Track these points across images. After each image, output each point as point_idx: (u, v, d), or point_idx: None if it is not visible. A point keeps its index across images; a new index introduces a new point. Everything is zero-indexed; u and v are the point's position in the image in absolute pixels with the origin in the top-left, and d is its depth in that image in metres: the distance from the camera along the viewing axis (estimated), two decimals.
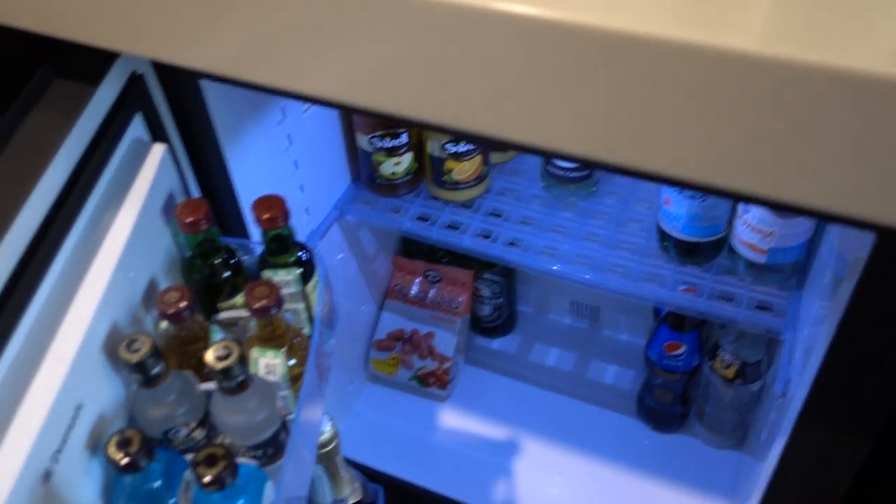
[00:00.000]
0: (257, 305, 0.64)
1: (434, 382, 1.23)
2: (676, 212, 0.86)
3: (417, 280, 1.24)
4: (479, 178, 0.99)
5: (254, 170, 0.85)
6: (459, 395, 1.26)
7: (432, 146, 0.96)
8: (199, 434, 0.62)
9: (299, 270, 0.71)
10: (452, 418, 1.23)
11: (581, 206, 0.99)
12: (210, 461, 0.53)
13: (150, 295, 0.66)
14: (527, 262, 0.95)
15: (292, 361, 0.68)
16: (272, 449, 0.64)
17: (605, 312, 1.28)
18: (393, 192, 1.02)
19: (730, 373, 1.03)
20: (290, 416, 0.66)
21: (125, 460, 0.53)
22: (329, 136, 0.99)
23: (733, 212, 0.85)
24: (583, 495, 1.12)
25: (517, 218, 0.99)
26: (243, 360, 0.58)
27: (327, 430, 0.89)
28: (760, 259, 0.84)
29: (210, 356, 0.57)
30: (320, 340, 0.72)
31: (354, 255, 1.15)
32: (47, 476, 0.51)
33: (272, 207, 0.70)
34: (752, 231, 0.83)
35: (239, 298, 0.71)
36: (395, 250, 1.26)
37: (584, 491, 1.13)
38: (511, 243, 0.96)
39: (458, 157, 0.95)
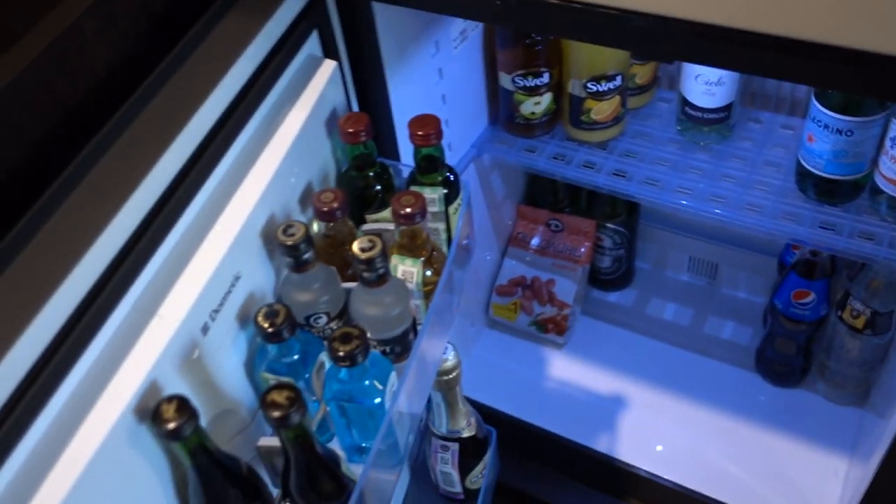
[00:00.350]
0: (403, 212, 0.68)
1: (552, 328, 1.27)
2: (820, 148, 0.87)
3: (540, 229, 1.28)
4: (616, 119, 1.02)
5: (408, 97, 0.90)
6: (575, 344, 1.29)
7: (573, 85, 1.00)
8: (336, 325, 0.67)
9: (444, 190, 0.76)
10: (568, 365, 1.27)
11: (716, 148, 1.01)
12: (345, 338, 0.58)
13: (306, 198, 0.72)
14: (662, 199, 0.97)
15: (428, 272, 0.72)
16: (400, 347, 0.68)
17: (724, 269, 1.29)
18: (530, 133, 1.06)
19: (859, 323, 1.03)
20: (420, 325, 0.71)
21: (271, 329, 0.59)
22: (473, 76, 1.05)
23: (879, 148, 0.86)
24: (695, 444, 1.14)
25: (652, 159, 1.02)
26: (385, 255, 0.63)
27: (450, 359, 0.92)
28: None
29: (356, 247, 0.62)
30: (455, 261, 0.76)
31: (484, 201, 1.20)
32: (205, 329, 0.58)
33: (427, 125, 0.75)
34: None
35: (386, 213, 0.76)
36: (520, 199, 1.31)
37: (696, 440, 1.15)
38: (646, 182, 1.00)
39: (598, 96, 0.99)
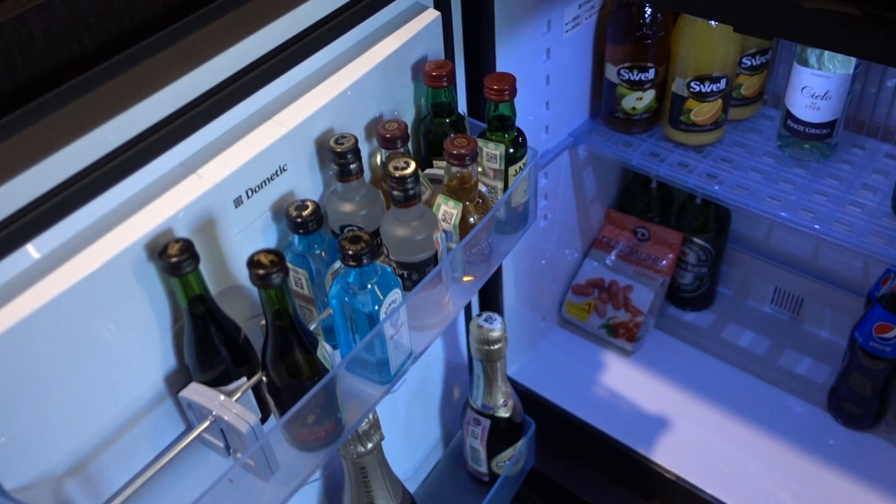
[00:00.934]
0: (454, 151, 0.70)
1: (623, 334, 1.27)
2: None
3: (626, 235, 1.30)
4: (716, 124, 1.04)
5: (514, 67, 0.94)
6: (644, 355, 1.29)
7: (677, 84, 1.02)
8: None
9: (508, 149, 0.77)
10: (633, 373, 1.26)
11: (814, 166, 1.02)
12: (355, 239, 0.61)
13: (374, 126, 0.75)
14: (751, 204, 0.98)
15: (471, 219, 0.74)
16: (417, 275, 0.69)
17: (810, 304, 1.26)
18: (628, 129, 1.09)
19: None
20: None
21: (298, 219, 0.62)
22: (580, 65, 1.09)
23: None
24: (754, 471, 1.11)
25: (747, 167, 1.03)
26: (418, 177, 0.65)
27: (496, 330, 0.94)
28: None
29: (391, 165, 0.65)
30: (500, 221, 0.78)
31: (574, 197, 1.23)
32: (238, 203, 0.62)
33: (503, 80, 0.77)
34: None
35: None
36: (610, 204, 1.33)
37: (756, 467, 1.12)
38: (737, 186, 1.00)
39: (700, 96, 1.01)
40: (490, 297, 1.13)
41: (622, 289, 1.28)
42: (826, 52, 0.93)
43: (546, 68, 1.02)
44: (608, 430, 1.17)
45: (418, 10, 0.80)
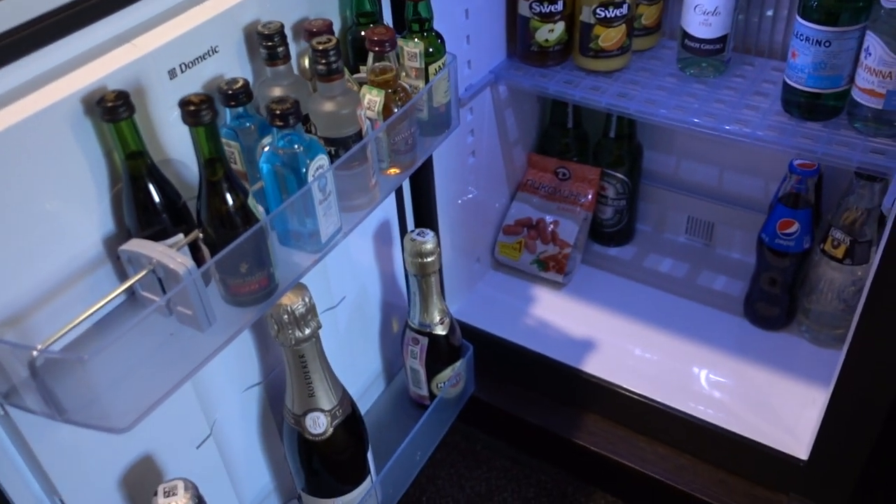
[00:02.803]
0: (375, 38, 0.76)
1: (553, 266, 1.33)
2: (802, 62, 0.96)
3: (549, 176, 1.37)
4: (622, 49, 1.12)
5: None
6: (574, 287, 1.35)
7: (584, 13, 1.10)
8: None
9: (429, 48, 0.83)
10: (565, 302, 1.33)
11: (711, 80, 1.10)
12: (281, 100, 0.65)
13: (300, 27, 0.79)
14: (658, 115, 1.06)
15: (395, 110, 0.78)
16: (343, 151, 0.73)
17: (720, 228, 1.36)
18: (543, 62, 1.17)
19: (839, 252, 1.09)
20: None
21: (230, 91, 0.66)
22: (495, 2, 1.16)
23: (854, 65, 0.95)
24: (683, 372, 1.19)
25: (653, 86, 1.11)
26: (339, 51, 0.70)
27: (428, 242, 0.98)
28: (878, 104, 0.93)
29: (314, 41, 0.69)
30: (418, 119, 0.83)
31: (498, 141, 1.30)
32: (172, 74, 0.67)
33: None
34: (871, 74, 0.92)
35: None
36: (531, 148, 1.40)
37: (683, 368, 1.19)
38: (645, 101, 1.08)
39: (606, 22, 1.09)
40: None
41: (549, 224, 1.35)
42: None
43: (464, 2, 1.09)
44: (546, 352, 1.23)
45: None
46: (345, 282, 1.01)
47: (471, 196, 1.28)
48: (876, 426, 0.97)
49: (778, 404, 1.13)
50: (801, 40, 0.95)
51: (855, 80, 0.95)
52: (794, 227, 1.12)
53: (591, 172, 1.33)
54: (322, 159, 0.68)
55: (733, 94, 1.08)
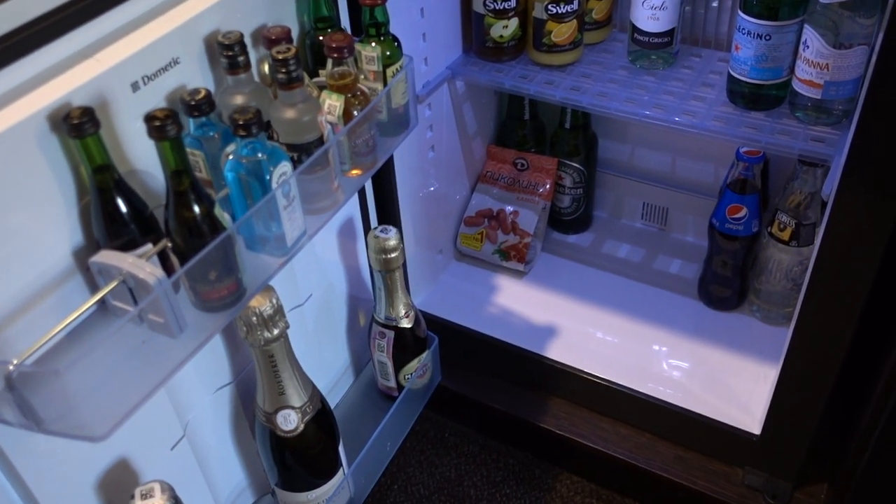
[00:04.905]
0: (333, 45, 0.77)
1: (515, 256, 1.37)
2: (745, 55, 1.00)
3: (507, 167, 1.40)
4: (574, 44, 1.15)
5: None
6: (535, 275, 1.39)
7: (537, 9, 1.13)
8: None
9: (387, 52, 0.84)
10: (527, 290, 1.36)
11: (660, 72, 1.14)
12: (243, 111, 0.66)
13: (259, 34, 0.80)
14: (610, 108, 1.09)
15: (355, 112, 0.80)
16: (306, 156, 0.74)
17: (674, 213, 1.40)
18: (498, 57, 1.19)
19: (785, 235, 1.14)
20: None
21: (192, 102, 0.67)
22: (448, 1, 1.18)
23: (795, 57, 0.99)
24: (639, 353, 1.24)
25: (604, 79, 1.15)
26: (298, 61, 0.72)
27: (391, 239, 1.00)
28: (816, 94, 0.97)
29: (273, 50, 0.71)
30: (384, 119, 0.86)
31: (458, 135, 1.32)
32: (135, 87, 0.68)
33: None
34: (809, 66, 0.96)
35: None
36: (490, 140, 1.43)
37: (640, 350, 1.24)
38: (598, 95, 1.12)
39: (557, 18, 1.12)
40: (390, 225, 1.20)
41: (509, 214, 1.38)
42: None
43: (420, 1, 1.11)
44: (509, 339, 1.26)
45: None
46: (311, 279, 1.03)
47: (431, 189, 1.30)
48: (823, 399, 1.02)
49: (732, 382, 1.18)
50: (743, 34, 1.00)
51: (795, 71, 1.00)
52: (743, 212, 1.16)
53: (548, 163, 1.37)
54: (285, 166, 0.70)
55: (682, 86, 1.12)
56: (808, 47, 0.96)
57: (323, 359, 1.12)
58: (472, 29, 1.20)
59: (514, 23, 1.16)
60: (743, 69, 1.02)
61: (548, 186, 1.37)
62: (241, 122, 0.66)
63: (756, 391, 1.15)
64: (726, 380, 1.19)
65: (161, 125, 0.59)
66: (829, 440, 1.14)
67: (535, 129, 1.39)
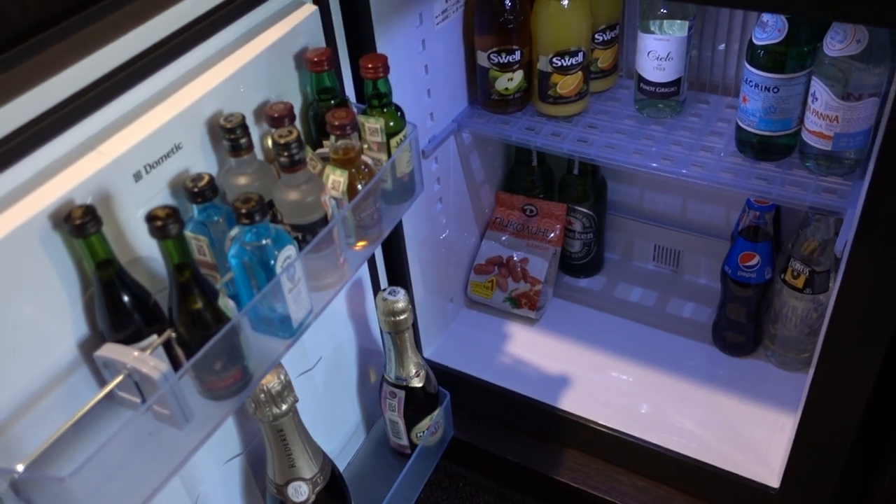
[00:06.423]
0: (336, 122, 0.78)
1: (525, 303, 1.36)
2: (753, 106, 0.99)
3: (516, 213, 1.39)
4: (580, 95, 1.15)
5: (393, 57, 1.01)
6: (547, 321, 1.38)
7: (541, 62, 1.13)
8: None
9: (390, 122, 0.85)
10: (539, 338, 1.35)
11: (668, 121, 1.13)
12: (246, 199, 0.66)
13: (262, 110, 0.80)
14: (618, 160, 1.08)
15: (359, 186, 0.80)
16: (310, 236, 0.75)
17: (686, 255, 1.39)
18: (504, 109, 1.19)
19: (799, 282, 1.12)
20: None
21: (195, 189, 0.67)
22: (454, 55, 1.18)
23: (804, 107, 0.98)
24: (655, 405, 1.22)
25: (612, 130, 1.14)
26: (300, 143, 0.72)
27: (400, 301, 1.01)
28: (826, 146, 0.96)
29: (275, 133, 0.71)
30: (387, 188, 0.85)
31: (465, 183, 1.32)
32: (137, 177, 0.67)
33: (375, 59, 0.85)
34: (818, 118, 0.95)
35: None
36: (499, 187, 1.42)
37: (656, 401, 1.22)
38: (605, 146, 1.11)
39: (563, 70, 1.12)
40: (399, 283, 1.19)
41: (519, 262, 1.37)
42: (665, 19, 1.06)
43: (423, 58, 1.11)
44: (522, 390, 1.25)
45: (297, 5, 0.86)
46: (321, 343, 1.03)
47: (441, 239, 1.30)
48: (844, 450, 1.00)
49: (748, 432, 1.16)
50: (751, 86, 0.99)
51: (804, 122, 0.98)
52: (755, 260, 1.15)
53: (557, 209, 1.36)
54: (290, 250, 0.70)
55: (690, 135, 1.11)
56: (816, 99, 0.95)
57: (334, 419, 1.11)
58: (478, 81, 1.19)
59: (518, 75, 1.15)
60: (751, 120, 1.01)
61: (557, 232, 1.36)
62: (244, 211, 0.66)
63: (774, 442, 1.13)
64: (743, 429, 1.16)
65: (163, 225, 0.59)
66: (852, 493, 1.12)
67: (543, 175, 1.38)
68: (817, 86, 0.94)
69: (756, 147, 1.03)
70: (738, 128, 1.04)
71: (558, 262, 1.41)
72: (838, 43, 0.90)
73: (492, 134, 1.20)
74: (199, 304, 0.64)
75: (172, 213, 0.60)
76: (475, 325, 1.39)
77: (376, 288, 1.13)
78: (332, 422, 1.10)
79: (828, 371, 0.96)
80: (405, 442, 1.12)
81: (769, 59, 0.96)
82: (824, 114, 0.94)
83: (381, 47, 0.99)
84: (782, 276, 1.15)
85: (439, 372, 1.29)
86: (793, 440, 1.03)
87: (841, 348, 0.93)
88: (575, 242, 1.39)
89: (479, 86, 1.20)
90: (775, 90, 0.97)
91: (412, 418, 1.10)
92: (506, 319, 1.39)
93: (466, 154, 1.30)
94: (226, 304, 0.67)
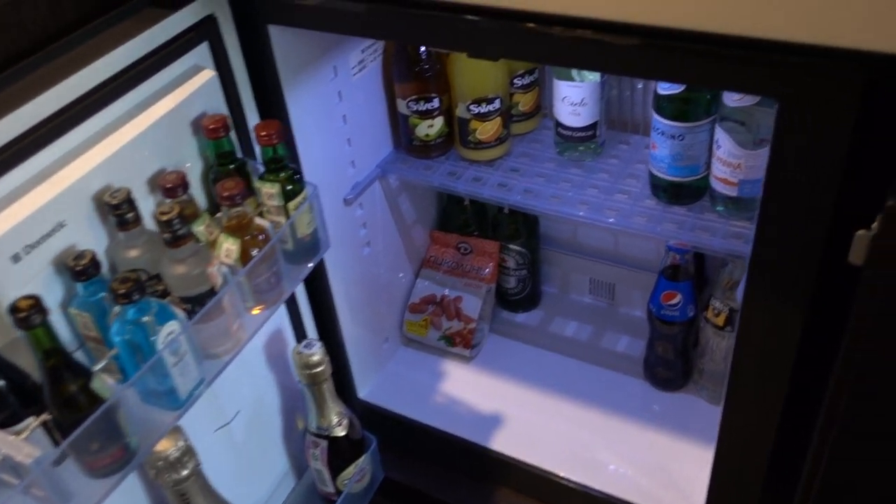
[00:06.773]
0: (225, 194, 0.79)
1: (460, 342, 1.36)
2: (661, 153, 1.00)
3: (451, 251, 1.40)
4: (500, 140, 1.16)
5: (308, 112, 1.03)
6: (482, 358, 1.38)
7: (460, 109, 1.14)
8: (153, 282, 0.75)
9: (287, 186, 0.85)
10: (473, 376, 1.35)
11: (588, 164, 1.14)
12: (123, 280, 0.67)
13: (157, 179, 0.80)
14: (537, 205, 1.10)
15: (254, 252, 0.80)
16: (199, 307, 0.75)
17: (621, 288, 1.40)
18: (427, 154, 1.19)
19: (720, 320, 1.13)
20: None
21: (77, 268, 0.67)
22: (375, 103, 1.18)
23: (710, 153, 0.99)
24: (585, 443, 1.22)
25: (532, 174, 1.15)
26: (183, 219, 0.72)
27: (316, 353, 1.01)
28: (733, 192, 0.97)
29: (157, 210, 0.72)
30: (288, 250, 0.86)
31: (394, 223, 1.32)
32: (16, 259, 0.67)
33: (269, 126, 0.86)
34: (723, 165, 0.96)
35: None
36: (432, 225, 1.43)
37: (587, 439, 1.23)
38: (524, 192, 1.12)
39: (481, 117, 1.13)
40: (327, 329, 1.19)
41: (452, 301, 1.37)
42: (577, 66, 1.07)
43: (341, 109, 1.11)
44: (456, 431, 1.26)
45: (195, 70, 0.86)
46: (238, 397, 1.02)
47: (373, 281, 1.30)
48: (758, 482, 1.01)
49: (676, 468, 1.17)
50: (658, 134, 1.00)
51: (711, 168, 1.00)
52: (678, 299, 1.16)
53: (490, 246, 1.37)
54: (173, 325, 0.70)
55: (608, 178, 1.12)
56: (720, 147, 0.96)
57: (258, 469, 1.11)
58: (400, 128, 1.20)
59: (439, 122, 1.16)
60: (661, 167, 1.02)
61: (491, 270, 1.37)
62: (121, 292, 0.66)
63: (700, 477, 1.13)
64: (671, 466, 1.17)
65: (26, 316, 0.59)
66: None
67: (476, 214, 1.39)
68: (720, 134, 0.95)
69: (668, 191, 1.04)
70: (650, 173, 1.05)
71: (494, 299, 1.41)
72: (735, 94, 0.91)
73: (415, 179, 1.20)
74: (71, 388, 0.64)
75: (36, 304, 0.60)
76: (411, 364, 1.39)
77: (301, 336, 1.13)
78: (256, 472, 1.10)
79: (737, 406, 0.96)
80: (331, 489, 1.12)
81: (673, 108, 0.97)
82: (728, 161, 0.95)
83: (293, 105, 0.99)
84: (704, 313, 1.16)
85: (374, 413, 1.30)
86: (710, 475, 1.04)
87: (745, 385, 0.93)
88: (510, 279, 1.40)
89: (401, 132, 1.20)
90: (681, 138, 0.98)
91: (337, 466, 1.10)
92: (442, 357, 1.39)
93: (394, 197, 1.30)
94: (102, 383, 0.67)
